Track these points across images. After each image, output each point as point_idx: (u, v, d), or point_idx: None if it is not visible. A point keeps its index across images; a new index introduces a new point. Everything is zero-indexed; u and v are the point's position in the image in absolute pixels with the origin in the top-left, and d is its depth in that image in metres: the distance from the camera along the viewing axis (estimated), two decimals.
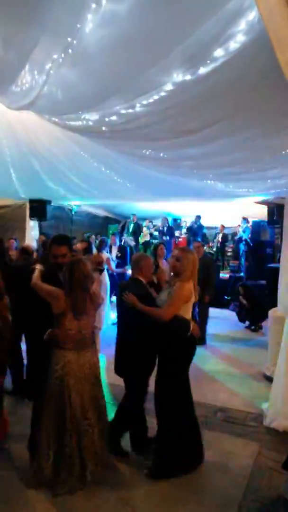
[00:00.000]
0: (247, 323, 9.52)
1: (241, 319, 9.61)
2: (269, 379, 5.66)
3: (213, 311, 10.09)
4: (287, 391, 4.61)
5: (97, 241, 9.15)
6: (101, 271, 4.22)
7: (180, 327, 3.58)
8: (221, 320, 9.95)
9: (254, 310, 9.07)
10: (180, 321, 3.59)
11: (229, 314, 10.48)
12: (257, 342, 8.26)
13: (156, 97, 3.22)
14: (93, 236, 12.71)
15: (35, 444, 3.50)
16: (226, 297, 11.30)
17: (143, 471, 3.73)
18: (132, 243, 13.40)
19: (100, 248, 8.42)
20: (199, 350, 7.37)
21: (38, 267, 3.71)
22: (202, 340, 7.47)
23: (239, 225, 13.39)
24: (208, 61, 2.75)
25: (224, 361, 7.08)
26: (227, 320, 10.10)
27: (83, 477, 3.35)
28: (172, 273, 3.85)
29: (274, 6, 2.23)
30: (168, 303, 3.54)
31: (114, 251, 10.02)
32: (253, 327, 9.27)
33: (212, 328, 8.59)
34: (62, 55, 2.71)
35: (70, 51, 2.66)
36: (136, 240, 14.38)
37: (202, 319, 7.65)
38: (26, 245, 6.78)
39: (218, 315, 10.26)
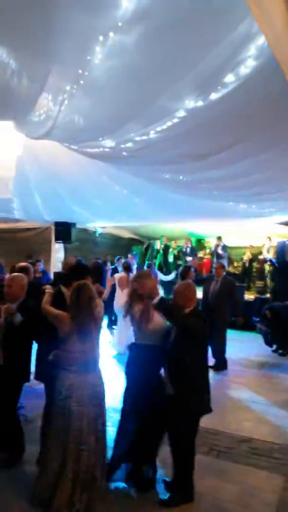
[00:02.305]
0: (274, 346, 9.19)
1: (268, 343, 9.28)
2: None
3: (238, 334, 9.81)
4: None
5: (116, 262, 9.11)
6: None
7: None
8: (247, 344, 9.65)
9: (282, 333, 8.76)
10: None
11: (255, 337, 10.17)
12: (285, 367, 7.94)
13: (169, 123, 3.24)
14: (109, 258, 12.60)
15: (40, 463, 3.56)
16: (254, 318, 11.00)
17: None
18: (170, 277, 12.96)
19: (129, 270, 8.39)
20: (221, 377, 7.21)
21: (48, 289, 3.75)
22: (223, 366, 7.25)
23: (263, 245, 13.15)
24: (219, 87, 2.76)
25: (249, 387, 6.81)
26: (254, 343, 9.78)
27: (71, 503, 3.24)
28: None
29: (281, 32, 2.22)
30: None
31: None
32: (280, 351, 8.93)
33: (237, 352, 8.31)
34: (75, 86, 2.78)
35: (81, 82, 2.72)
36: (166, 262, 14.31)
37: (219, 343, 7.39)
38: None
39: (244, 338, 9.96)
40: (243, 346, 9.27)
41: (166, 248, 14.47)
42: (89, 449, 3.32)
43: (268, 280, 12.47)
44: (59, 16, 2.30)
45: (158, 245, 14.78)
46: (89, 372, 3.40)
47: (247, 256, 13.92)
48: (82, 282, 3.46)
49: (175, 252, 14.37)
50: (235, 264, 14.19)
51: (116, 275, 8.38)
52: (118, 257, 10.35)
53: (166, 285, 11.37)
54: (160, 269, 13.71)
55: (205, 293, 7.59)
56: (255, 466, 4.41)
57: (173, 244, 14.71)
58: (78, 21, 2.31)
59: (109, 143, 3.79)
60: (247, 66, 2.65)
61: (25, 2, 2.22)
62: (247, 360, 8.45)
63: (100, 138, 3.70)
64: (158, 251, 14.66)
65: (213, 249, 14.31)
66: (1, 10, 2.25)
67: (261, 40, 2.52)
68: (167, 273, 13.28)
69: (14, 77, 2.93)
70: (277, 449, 4.76)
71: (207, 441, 4.65)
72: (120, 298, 8.18)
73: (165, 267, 13.91)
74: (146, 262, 12.42)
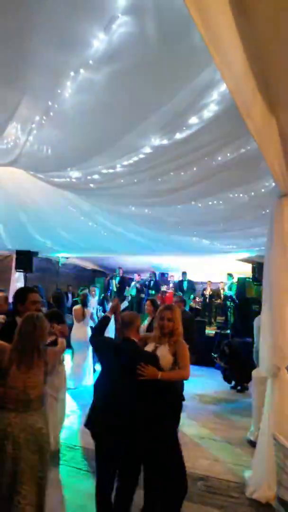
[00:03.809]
0: (233, 382, 9.22)
1: (227, 379, 9.32)
2: (253, 445, 5.38)
3: (198, 369, 9.79)
4: (270, 459, 4.36)
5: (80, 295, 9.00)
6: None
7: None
8: (206, 379, 9.64)
9: (240, 369, 8.82)
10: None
11: (214, 373, 10.18)
12: (242, 403, 7.94)
13: (135, 158, 3.35)
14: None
15: None
16: (213, 354, 11.05)
17: None
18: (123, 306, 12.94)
19: (84, 303, 8.27)
20: None
21: (0, 319, 3.59)
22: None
23: (221, 282, 13.48)
24: (184, 127, 2.90)
25: (206, 424, 6.74)
26: (212, 379, 9.79)
27: None
28: (160, 332, 3.77)
29: (241, 79, 2.40)
30: (184, 363, 3.52)
31: (93, 303, 9.81)
32: (239, 388, 8.97)
33: (196, 387, 8.27)
34: (44, 117, 2.84)
35: (51, 113, 2.78)
36: (120, 294, 14.29)
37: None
38: None
39: (204, 373, 9.96)
40: (201, 382, 9.25)
41: (123, 281, 14.49)
42: (25, 501, 2.90)
43: (230, 316, 12.69)
44: (34, 49, 2.38)
45: (114, 285, 14.81)
46: (29, 412, 3.04)
47: (207, 292, 14.16)
48: (32, 313, 3.20)
49: (138, 285, 14.41)
50: (197, 299, 14.37)
51: (74, 308, 8.25)
52: (81, 288, 10.21)
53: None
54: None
55: None
56: (211, 505, 4.32)
57: (136, 277, 14.76)
58: (51, 56, 2.39)
59: (75, 174, 3.85)
60: (210, 110, 2.82)
61: (1, 33, 2.28)
62: (205, 396, 8.41)
63: (68, 169, 3.75)
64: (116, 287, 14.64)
65: (176, 282, 14.49)
66: None
67: (223, 87, 2.70)
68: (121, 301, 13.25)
69: None
70: (234, 488, 4.70)
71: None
72: (77, 331, 8.03)
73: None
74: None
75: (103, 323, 3.84)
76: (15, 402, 3.02)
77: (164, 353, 3.58)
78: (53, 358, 3.24)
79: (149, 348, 3.67)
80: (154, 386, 3.24)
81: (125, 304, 10.46)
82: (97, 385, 3.49)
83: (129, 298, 13.06)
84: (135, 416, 3.20)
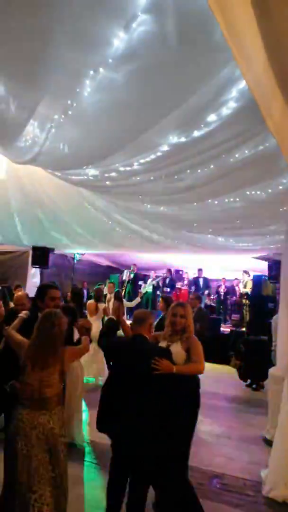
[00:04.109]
0: (248, 381, 9.18)
1: (242, 377, 9.27)
2: (269, 443, 5.35)
3: (213, 367, 9.75)
4: (287, 457, 4.34)
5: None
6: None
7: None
8: (221, 378, 9.60)
9: (255, 367, 8.77)
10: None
11: (229, 371, 10.14)
12: (258, 402, 7.88)
13: (153, 156, 3.35)
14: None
15: None
16: (229, 352, 10.98)
17: None
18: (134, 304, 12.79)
19: (97, 298, 8.31)
20: None
21: (23, 314, 3.54)
22: None
23: (236, 279, 13.39)
24: (202, 125, 2.89)
25: (221, 422, 6.72)
26: (228, 377, 9.75)
27: None
28: (172, 329, 3.75)
29: (261, 77, 2.38)
30: (198, 358, 3.52)
31: (111, 298, 9.79)
32: (254, 386, 8.92)
33: (210, 386, 8.25)
34: (63, 116, 2.86)
35: (70, 112, 2.80)
36: (136, 291, 14.30)
37: None
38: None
39: (218, 371, 9.92)
40: (216, 380, 9.22)
41: (135, 277, 14.46)
42: (42, 500, 2.86)
43: (245, 314, 12.60)
44: (54, 49, 2.40)
45: (126, 275, 14.71)
46: (42, 410, 2.99)
47: (222, 289, 14.09)
48: (50, 310, 3.17)
49: (154, 282, 14.42)
50: (211, 296, 14.31)
51: (88, 302, 8.28)
52: (99, 284, 10.20)
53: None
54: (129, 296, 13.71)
55: None
56: (227, 503, 4.31)
57: (152, 274, 14.78)
58: (71, 55, 2.41)
59: (93, 171, 3.87)
60: (229, 107, 2.80)
61: (23, 33, 2.30)
62: (220, 394, 8.38)
63: (85, 167, 3.78)
64: (128, 281, 14.58)
65: (191, 279, 14.45)
66: (2, 37, 2.32)
67: (242, 84, 2.68)
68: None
69: (3, 104, 3.00)
70: (250, 486, 4.69)
71: None
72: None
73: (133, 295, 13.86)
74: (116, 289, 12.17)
75: (109, 326, 3.79)
76: (30, 399, 2.99)
77: (177, 350, 3.54)
78: (71, 358, 3.18)
79: (161, 345, 3.61)
80: (170, 381, 3.17)
81: (137, 300, 10.42)
82: (109, 383, 3.35)
83: (141, 295, 13.03)
84: (151, 420, 3.08)
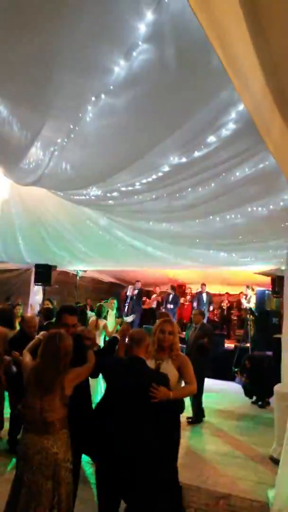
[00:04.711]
0: (254, 398, 9.06)
1: (247, 394, 9.16)
2: (276, 462, 5.26)
3: (218, 384, 9.66)
4: None
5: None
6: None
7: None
8: (226, 394, 9.49)
9: (261, 384, 8.68)
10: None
11: (235, 388, 10.03)
12: (264, 419, 7.78)
13: (154, 176, 3.40)
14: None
15: None
16: (233, 368, 10.88)
17: None
18: (130, 319, 12.74)
19: (98, 314, 8.30)
20: (198, 429, 7.02)
21: (40, 336, 3.37)
22: (199, 418, 7.07)
23: (241, 293, 13.34)
24: (202, 146, 2.94)
25: (227, 441, 6.63)
26: (233, 394, 9.64)
27: None
28: (159, 346, 3.59)
29: (260, 100, 2.43)
30: (191, 379, 3.51)
31: (111, 316, 9.71)
32: (260, 403, 8.80)
33: (215, 403, 8.15)
34: (65, 139, 2.92)
35: (72, 136, 2.86)
36: (139, 306, 14.25)
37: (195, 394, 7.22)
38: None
39: (224, 388, 9.82)
40: (221, 397, 9.12)
41: (140, 293, 14.40)
42: None
43: (250, 329, 12.52)
44: (57, 75, 2.47)
45: (130, 291, 14.64)
46: (46, 434, 2.88)
47: (225, 304, 14.03)
48: (54, 332, 3.06)
49: (159, 298, 14.39)
50: (215, 311, 14.26)
51: (90, 319, 8.29)
52: (105, 301, 10.18)
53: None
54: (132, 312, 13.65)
55: (186, 341, 7.57)
56: None
57: (155, 289, 14.77)
58: (73, 81, 2.48)
59: (95, 191, 3.92)
60: (228, 128, 2.85)
61: (29, 59, 2.37)
62: (225, 411, 8.28)
63: (88, 188, 3.84)
64: (131, 297, 14.52)
65: (194, 294, 14.41)
66: (8, 61, 2.39)
67: (241, 106, 2.74)
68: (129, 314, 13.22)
69: (7, 126, 3.07)
70: (257, 507, 4.59)
71: (182, 496, 4.47)
72: None
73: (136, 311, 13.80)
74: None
75: (111, 344, 3.72)
76: (32, 423, 2.91)
77: (169, 369, 3.48)
78: (74, 380, 3.04)
79: (150, 364, 3.47)
80: (161, 408, 3.04)
81: (132, 317, 10.38)
82: (101, 406, 3.23)
83: (136, 313, 12.94)
84: (146, 446, 2.96)
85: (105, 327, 8.03)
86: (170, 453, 3.54)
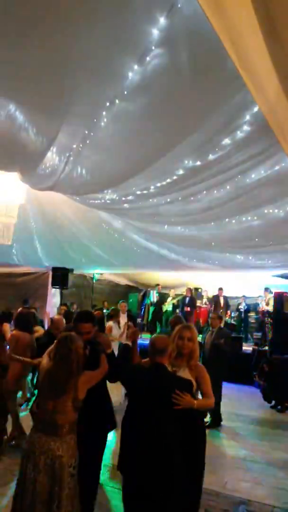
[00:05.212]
0: (273, 402, 8.92)
1: (267, 398, 9.02)
2: None
3: (235, 388, 9.55)
4: None
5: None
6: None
7: None
8: (244, 399, 9.38)
9: (281, 388, 8.54)
10: None
11: (252, 392, 9.91)
12: (284, 424, 7.67)
13: (169, 180, 3.40)
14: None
15: None
16: (252, 372, 10.73)
17: None
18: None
19: (111, 318, 8.28)
20: (217, 433, 6.95)
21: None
22: (217, 422, 7.00)
23: (260, 296, 13.18)
24: (217, 149, 2.93)
25: (245, 445, 6.54)
26: (251, 398, 9.52)
27: None
28: (178, 353, 3.44)
29: (275, 103, 2.41)
30: (209, 392, 3.35)
31: (123, 319, 9.54)
32: (279, 407, 8.67)
33: (234, 406, 8.06)
34: (81, 145, 2.95)
35: (87, 141, 2.89)
36: (159, 310, 14.20)
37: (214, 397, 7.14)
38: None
39: (242, 392, 9.71)
40: (239, 401, 9.01)
41: (161, 300, 14.33)
42: None
43: (268, 332, 12.35)
44: (73, 82, 2.50)
45: (154, 296, 14.57)
46: (54, 436, 2.89)
47: (242, 306, 13.89)
48: (65, 335, 3.07)
49: (175, 301, 14.33)
50: (232, 314, 14.12)
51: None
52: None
53: None
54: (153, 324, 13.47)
55: (203, 344, 7.52)
56: None
57: (172, 292, 14.69)
58: (89, 87, 2.51)
59: (110, 195, 3.95)
60: (243, 131, 2.84)
61: (45, 66, 2.41)
62: (244, 415, 8.17)
63: (103, 192, 3.86)
64: (152, 304, 14.46)
65: (210, 297, 14.31)
66: (24, 68, 2.43)
67: (255, 108, 2.72)
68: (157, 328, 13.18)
69: (23, 133, 3.12)
70: None
71: (202, 502, 4.43)
72: None
73: (158, 322, 13.65)
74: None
75: (124, 353, 3.65)
76: (42, 423, 2.93)
77: (187, 378, 3.33)
78: (87, 383, 3.03)
79: None
80: (186, 416, 2.92)
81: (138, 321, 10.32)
82: (128, 418, 3.12)
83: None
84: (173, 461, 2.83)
85: (109, 328, 7.87)
86: (195, 466, 3.36)
